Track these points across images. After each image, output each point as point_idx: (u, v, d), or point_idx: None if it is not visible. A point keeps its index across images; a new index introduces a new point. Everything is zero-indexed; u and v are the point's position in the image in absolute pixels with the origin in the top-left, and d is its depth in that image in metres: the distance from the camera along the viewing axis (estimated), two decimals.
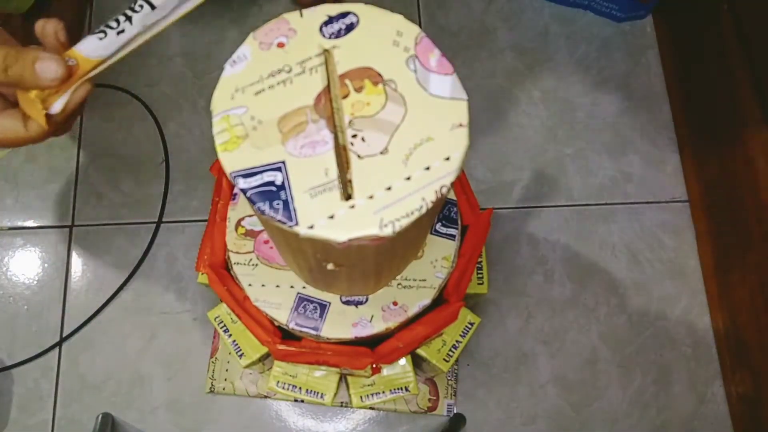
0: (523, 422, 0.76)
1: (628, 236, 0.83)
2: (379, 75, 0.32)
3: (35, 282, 0.80)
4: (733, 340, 0.76)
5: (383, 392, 0.54)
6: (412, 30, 0.33)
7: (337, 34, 0.33)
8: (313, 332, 0.46)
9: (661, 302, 0.80)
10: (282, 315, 0.46)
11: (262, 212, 0.29)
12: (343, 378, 0.56)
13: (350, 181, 0.30)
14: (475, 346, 0.78)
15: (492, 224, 0.82)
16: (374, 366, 0.51)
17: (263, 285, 0.47)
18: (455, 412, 0.75)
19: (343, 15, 0.33)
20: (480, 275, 0.57)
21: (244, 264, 0.48)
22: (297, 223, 0.29)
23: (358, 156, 0.30)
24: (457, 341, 0.54)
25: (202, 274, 0.53)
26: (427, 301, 0.47)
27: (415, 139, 0.31)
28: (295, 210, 0.29)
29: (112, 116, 0.87)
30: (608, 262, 0.82)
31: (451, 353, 0.53)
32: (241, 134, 0.30)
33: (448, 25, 0.92)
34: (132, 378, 0.76)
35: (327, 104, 0.31)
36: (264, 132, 0.31)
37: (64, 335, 0.78)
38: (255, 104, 0.31)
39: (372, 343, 0.48)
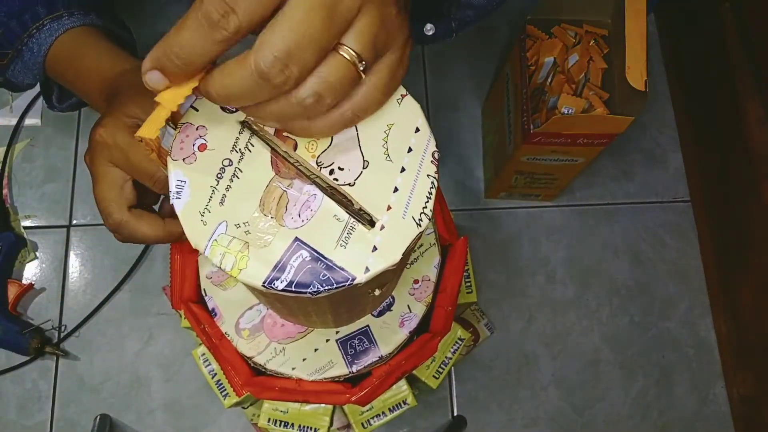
0: (525, 424, 0.75)
1: (630, 236, 0.82)
2: None
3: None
4: (735, 340, 0.76)
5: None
6: None
7: None
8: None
9: (663, 303, 0.80)
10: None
11: (318, 293, 0.28)
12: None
13: (362, 210, 0.29)
14: (476, 348, 0.77)
15: (494, 224, 0.82)
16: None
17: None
18: (456, 414, 0.74)
19: None
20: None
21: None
22: (354, 277, 0.28)
23: (349, 184, 0.30)
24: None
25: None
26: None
27: (380, 134, 0.30)
28: (342, 268, 0.28)
29: None
30: (610, 263, 0.81)
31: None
32: (240, 247, 0.29)
33: None
34: (130, 379, 0.76)
35: (287, 164, 0.30)
36: (258, 229, 0.29)
37: (61, 336, 0.77)
38: (228, 212, 0.29)
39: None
